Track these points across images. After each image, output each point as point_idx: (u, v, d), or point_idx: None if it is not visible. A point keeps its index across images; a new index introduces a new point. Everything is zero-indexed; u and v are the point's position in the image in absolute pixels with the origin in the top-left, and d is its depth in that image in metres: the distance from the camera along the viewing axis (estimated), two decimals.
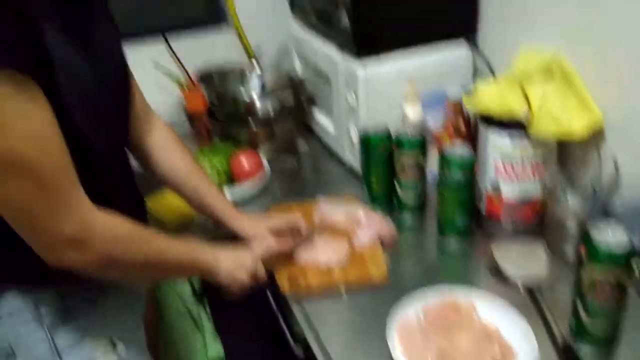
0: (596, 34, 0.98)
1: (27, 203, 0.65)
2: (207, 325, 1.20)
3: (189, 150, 1.06)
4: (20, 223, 0.67)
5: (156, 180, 1.04)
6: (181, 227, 1.18)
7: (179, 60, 1.59)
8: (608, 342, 0.81)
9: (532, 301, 0.90)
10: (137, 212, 0.87)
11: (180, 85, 1.59)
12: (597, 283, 0.76)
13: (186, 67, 1.59)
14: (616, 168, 0.96)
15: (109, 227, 0.72)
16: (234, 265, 0.90)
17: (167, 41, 1.57)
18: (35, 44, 0.63)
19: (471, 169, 1.01)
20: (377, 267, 1.00)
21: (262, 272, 0.94)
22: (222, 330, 1.21)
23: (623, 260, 0.74)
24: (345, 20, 1.18)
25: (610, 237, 0.75)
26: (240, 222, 1.02)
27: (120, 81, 0.87)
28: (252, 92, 1.54)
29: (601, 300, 0.77)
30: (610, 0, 0.93)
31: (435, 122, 1.21)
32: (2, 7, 0.58)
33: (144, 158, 0.99)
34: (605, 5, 0.94)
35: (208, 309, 1.19)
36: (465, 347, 0.79)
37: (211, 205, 1.02)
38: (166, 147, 1.01)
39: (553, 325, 0.83)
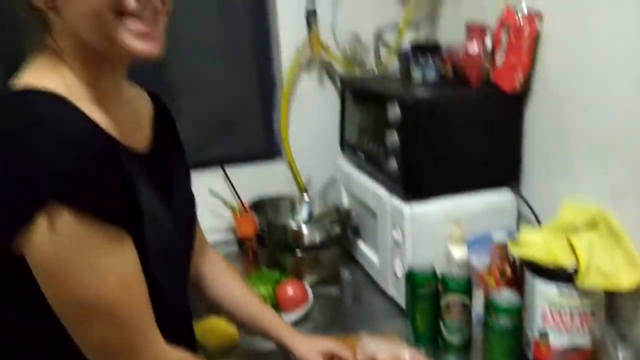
0: None
1: (108, 341, 0.69)
2: None
3: (240, 275, 1.11)
4: (99, 358, 0.70)
5: (204, 306, 1.08)
6: (225, 352, 1.19)
7: (234, 188, 1.70)
8: None
9: None
10: (189, 340, 0.90)
11: (233, 211, 1.68)
12: None
13: (240, 196, 1.69)
14: None
15: None
16: None
17: (224, 171, 1.69)
18: (131, 200, 0.69)
19: (518, 316, 1.01)
20: None
21: None
22: None
23: None
24: (393, 165, 1.26)
25: None
26: (297, 342, 1.04)
27: (191, 224, 0.94)
28: (300, 221, 1.61)
29: None
30: None
31: (481, 263, 1.23)
32: (107, 166, 0.65)
33: (200, 286, 1.04)
34: None
35: None
36: None
37: (267, 325, 1.05)
38: (220, 274, 1.06)
39: None
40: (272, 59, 1.75)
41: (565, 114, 1.16)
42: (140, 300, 0.71)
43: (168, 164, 0.87)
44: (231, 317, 1.08)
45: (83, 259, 0.65)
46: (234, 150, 1.81)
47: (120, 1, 0.67)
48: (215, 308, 1.09)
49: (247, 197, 1.66)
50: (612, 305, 1.02)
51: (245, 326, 1.08)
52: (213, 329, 1.24)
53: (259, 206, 1.59)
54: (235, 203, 1.70)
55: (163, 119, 0.92)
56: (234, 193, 1.70)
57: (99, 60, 0.73)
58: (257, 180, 1.73)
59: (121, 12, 0.68)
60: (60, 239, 0.62)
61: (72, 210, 0.62)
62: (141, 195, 0.71)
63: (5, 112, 0.65)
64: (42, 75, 0.70)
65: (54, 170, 0.61)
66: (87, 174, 0.63)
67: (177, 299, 0.87)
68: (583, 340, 1.01)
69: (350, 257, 1.58)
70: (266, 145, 1.83)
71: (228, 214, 1.69)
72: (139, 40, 0.70)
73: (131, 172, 0.69)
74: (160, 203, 0.79)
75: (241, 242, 1.63)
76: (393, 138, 1.24)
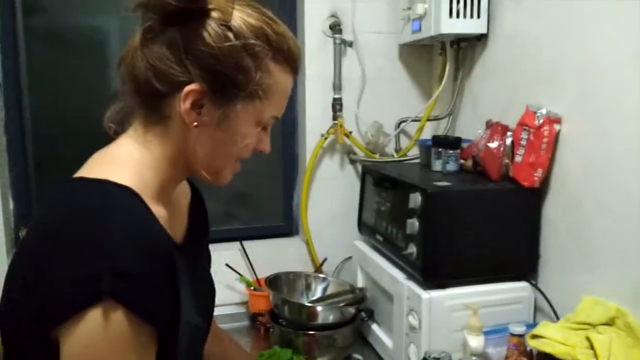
0: None
1: None
2: None
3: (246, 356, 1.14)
4: None
5: None
6: None
7: (250, 262, 1.73)
8: None
9: None
10: None
11: (248, 285, 1.69)
12: None
13: (256, 270, 1.71)
14: None
15: None
16: None
17: (242, 245, 1.72)
18: (178, 308, 0.69)
19: None
20: None
21: None
22: None
23: None
24: (413, 251, 1.29)
25: None
26: None
27: (211, 312, 0.93)
28: (315, 300, 1.62)
29: None
30: None
31: (497, 353, 1.23)
32: (166, 273, 0.66)
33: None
34: None
35: None
36: None
37: None
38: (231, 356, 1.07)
39: None
40: (297, 141, 1.84)
41: (583, 211, 1.21)
42: None
43: (198, 253, 0.89)
44: None
45: (120, 357, 0.64)
46: (253, 226, 1.86)
47: (246, 151, 0.78)
48: None
49: (263, 273, 1.68)
50: None
51: None
52: None
53: (275, 282, 1.61)
54: (250, 278, 1.72)
55: (198, 206, 0.93)
56: (250, 267, 1.72)
57: (183, 169, 0.78)
58: (274, 256, 1.76)
59: (238, 159, 0.79)
60: (106, 335, 0.62)
61: (125, 310, 0.62)
62: (183, 299, 0.70)
63: (83, 198, 0.67)
64: (123, 165, 0.72)
65: (118, 267, 0.62)
66: (147, 278, 0.64)
67: None
68: None
69: (363, 340, 1.58)
70: (285, 223, 1.88)
71: (242, 287, 1.70)
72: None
73: (179, 269, 0.69)
74: (191, 295, 0.77)
75: (253, 317, 1.63)
76: (414, 224, 1.28)
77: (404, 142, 1.81)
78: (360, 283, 1.62)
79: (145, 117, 0.75)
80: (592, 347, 1.03)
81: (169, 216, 0.77)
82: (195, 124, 0.72)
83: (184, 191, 0.91)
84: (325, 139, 1.74)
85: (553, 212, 1.29)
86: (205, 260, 0.95)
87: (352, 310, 1.50)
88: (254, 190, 1.87)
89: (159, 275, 0.65)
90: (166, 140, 0.75)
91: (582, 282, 1.21)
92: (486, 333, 1.23)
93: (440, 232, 1.27)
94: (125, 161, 0.73)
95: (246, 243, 1.74)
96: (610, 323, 1.09)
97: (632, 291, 1.09)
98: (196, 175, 0.79)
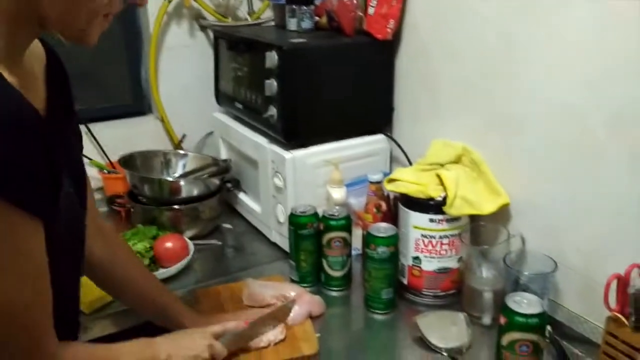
0: (501, 132, 1.12)
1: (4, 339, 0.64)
2: None
3: (134, 253, 1.07)
4: None
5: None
6: (97, 310, 1.13)
7: (98, 144, 1.59)
8: None
9: None
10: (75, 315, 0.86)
11: (101, 169, 1.57)
12: (516, 348, 0.83)
13: (107, 154, 1.59)
14: (523, 243, 1.08)
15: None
16: (187, 353, 0.87)
17: (88, 128, 1.57)
18: (54, 194, 0.65)
19: (395, 245, 1.09)
20: (308, 343, 1.01)
21: (219, 348, 0.91)
22: None
23: (537, 325, 0.82)
24: (273, 113, 1.27)
25: (525, 305, 0.83)
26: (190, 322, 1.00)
27: (85, 195, 0.84)
28: (177, 175, 1.56)
29: None
30: (511, 104, 1.09)
31: (358, 203, 1.29)
32: (38, 151, 0.60)
33: (96, 272, 0.96)
34: (506, 109, 1.10)
35: None
36: None
37: (171, 316, 1.01)
38: (114, 252, 0.98)
39: None
40: (136, 8, 1.64)
41: (432, 60, 1.25)
42: (44, 296, 0.66)
43: (64, 126, 0.77)
44: (130, 304, 1.04)
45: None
46: (100, 107, 1.69)
47: (113, 6, 0.67)
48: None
49: (116, 156, 1.55)
50: (476, 231, 1.13)
51: (136, 306, 1.04)
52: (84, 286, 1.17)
53: (129, 162, 1.51)
54: (103, 163, 1.60)
55: (56, 70, 0.78)
56: (101, 150, 1.59)
57: (33, 27, 0.65)
58: (126, 137, 1.63)
59: (107, 14, 0.67)
60: None
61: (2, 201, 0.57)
62: (64, 189, 0.66)
63: None
64: None
65: None
66: (20, 160, 0.58)
67: (74, 280, 0.81)
68: (452, 262, 1.12)
69: (232, 210, 1.57)
70: (135, 101, 1.73)
71: (95, 173, 1.58)
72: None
73: (60, 167, 0.65)
74: (70, 186, 0.72)
75: (111, 201, 1.54)
76: (272, 85, 1.24)
77: (257, 4, 1.71)
78: (223, 156, 1.58)
79: None
80: (441, 183, 1.11)
81: (27, 84, 0.66)
82: None
83: (36, 54, 0.75)
84: (169, 2, 1.57)
85: (405, 63, 1.33)
86: (73, 134, 0.82)
87: (216, 181, 1.47)
88: (95, 69, 1.68)
89: (31, 156, 0.59)
90: None
91: (432, 128, 1.28)
92: (347, 185, 1.28)
93: (299, 90, 1.25)
94: None
95: (93, 126, 1.59)
96: (457, 161, 1.18)
97: (475, 132, 1.18)
98: (57, 35, 0.67)
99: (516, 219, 1.11)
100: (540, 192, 1.06)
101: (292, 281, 1.22)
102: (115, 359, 0.79)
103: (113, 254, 0.97)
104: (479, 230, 1.13)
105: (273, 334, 1.01)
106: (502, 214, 1.12)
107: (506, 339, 0.83)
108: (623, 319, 0.81)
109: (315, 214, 1.20)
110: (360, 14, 1.30)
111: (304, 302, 1.10)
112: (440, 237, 1.10)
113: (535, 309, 0.82)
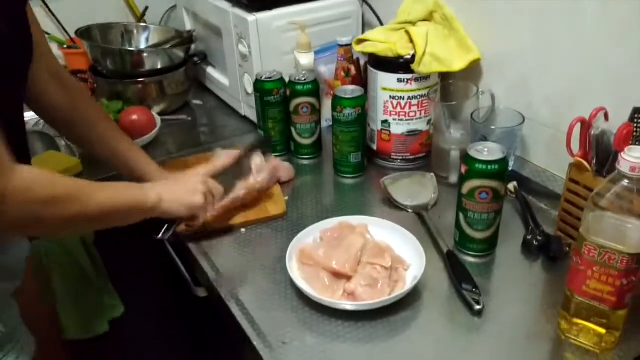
0: None
1: None
2: (104, 283, 1.14)
3: (95, 100, 1.00)
4: None
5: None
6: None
7: (56, 18, 1.49)
8: (488, 246, 0.88)
9: (421, 222, 0.96)
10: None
11: (60, 44, 1.49)
12: (475, 195, 0.82)
13: (68, 30, 1.50)
14: (492, 100, 1.05)
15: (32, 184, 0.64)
16: (182, 193, 0.84)
17: (45, 4, 1.47)
18: None
19: (362, 106, 1.05)
20: (276, 205, 1.01)
21: (214, 185, 0.89)
22: (120, 286, 1.16)
23: (497, 170, 0.81)
24: None
25: (486, 153, 0.81)
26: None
27: (23, 15, 0.76)
28: (140, 48, 1.49)
29: (479, 209, 0.83)
30: None
31: (328, 71, 1.24)
32: None
33: (54, 120, 0.92)
34: None
35: (102, 266, 1.14)
36: (359, 261, 0.82)
37: (132, 158, 0.96)
38: (74, 97, 0.92)
39: (439, 239, 0.90)
40: None
41: None
42: None
43: None
44: (97, 155, 0.97)
45: None
46: None
47: None
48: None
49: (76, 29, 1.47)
50: (446, 89, 1.09)
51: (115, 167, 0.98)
52: (53, 158, 1.15)
53: (89, 35, 1.42)
54: (62, 38, 1.51)
55: None
56: (59, 25, 1.50)
57: None
58: (85, 10, 1.53)
59: None
60: None
61: None
62: None
63: None
64: None
65: None
66: None
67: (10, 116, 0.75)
68: (421, 124, 1.09)
69: (200, 85, 1.52)
70: None
71: (55, 49, 1.50)
72: None
73: None
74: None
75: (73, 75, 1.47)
76: None
77: None
78: (188, 26, 1.49)
79: None
80: (411, 41, 1.05)
81: None
82: None
83: None
84: None
85: None
86: None
87: (180, 53, 1.40)
88: None
89: None
90: None
91: None
92: (317, 52, 1.22)
93: None
94: None
95: (52, 3, 1.49)
96: (429, 19, 1.11)
97: None
98: None
99: (487, 75, 1.07)
100: (511, 45, 1.01)
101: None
102: (87, 193, 0.70)
103: (72, 99, 0.91)
104: (449, 88, 1.09)
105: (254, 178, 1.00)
106: (473, 71, 1.07)
107: (466, 186, 0.82)
108: (585, 163, 0.80)
109: (282, 80, 1.15)
110: None
111: (272, 167, 1.09)
112: (409, 98, 1.06)
113: (495, 156, 0.80)
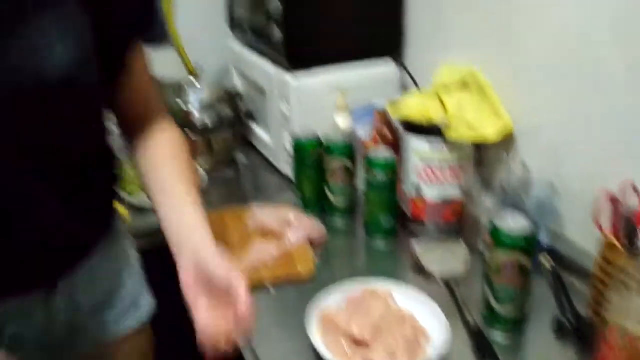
0: (507, 55, 1.07)
1: None
2: None
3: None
4: None
5: None
6: None
7: None
8: (517, 324, 0.85)
9: (449, 293, 0.94)
10: None
11: None
12: (501, 268, 0.81)
13: None
14: (525, 169, 1.04)
15: None
16: None
17: None
18: None
19: (393, 171, 1.06)
20: (305, 264, 1.03)
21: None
22: None
23: (523, 244, 0.79)
24: (277, 35, 1.24)
25: (511, 223, 0.80)
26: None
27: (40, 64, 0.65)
28: (190, 104, 1.57)
29: (506, 283, 0.82)
30: (518, 26, 1.03)
31: (365, 133, 1.27)
32: None
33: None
34: (513, 30, 1.04)
35: None
36: (380, 329, 0.82)
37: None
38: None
39: (466, 313, 0.88)
40: None
41: None
42: None
43: None
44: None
45: None
46: None
47: None
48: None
49: None
50: (478, 157, 1.09)
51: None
52: None
53: None
54: None
55: None
56: None
57: None
58: None
59: None
60: None
61: None
62: None
63: None
64: None
65: None
66: None
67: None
68: (454, 192, 1.09)
69: (245, 142, 1.58)
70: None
71: None
72: None
73: None
74: None
75: None
76: (275, 4, 1.21)
77: None
78: (237, 86, 1.57)
79: None
80: (445, 108, 1.07)
81: None
82: None
83: None
84: None
85: None
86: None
87: (228, 111, 1.47)
88: None
89: None
90: None
91: (441, 53, 1.23)
92: (355, 115, 1.26)
93: (303, 10, 1.22)
94: None
95: None
96: (463, 85, 1.13)
97: (483, 55, 1.12)
98: None
99: (519, 144, 1.07)
100: (544, 116, 1.01)
101: (297, 209, 1.23)
102: None
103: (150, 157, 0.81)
104: (482, 156, 1.09)
105: (262, 256, 1.03)
106: (506, 141, 1.07)
107: (492, 258, 0.81)
108: (615, 241, 0.77)
109: (318, 141, 1.18)
110: None
111: (303, 226, 1.11)
112: (441, 164, 1.07)
113: (523, 228, 0.79)
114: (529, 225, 0.81)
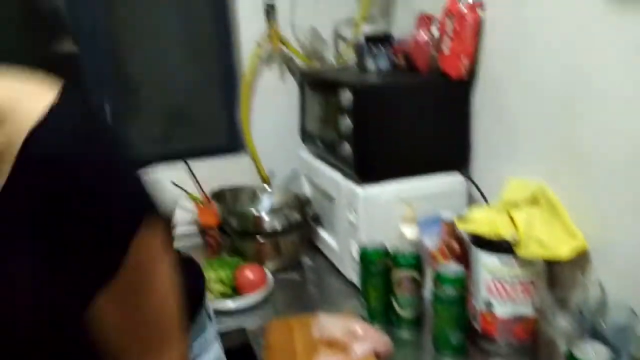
0: (577, 169, 1.06)
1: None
2: None
3: None
4: None
5: None
6: None
7: (196, 179, 1.72)
8: None
9: None
10: None
11: (196, 201, 1.70)
12: None
13: (203, 188, 1.72)
14: (601, 290, 1.00)
15: None
16: None
17: (187, 164, 1.71)
18: None
19: (463, 286, 1.06)
20: None
21: None
22: None
23: None
24: (347, 150, 1.31)
25: (591, 354, 0.77)
26: None
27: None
28: (262, 209, 1.64)
29: None
30: (588, 139, 1.03)
31: (431, 243, 1.27)
32: None
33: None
34: (583, 143, 1.05)
35: None
36: None
37: None
38: None
39: None
40: (232, 52, 1.78)
41: (507, 97, 1.22)
42: None
43: None
44: None
45: None
46: (196, 144, 1.84)
47: None
48: None
49: (210, 190, 1.67)
50: (551, 275, 1.07)
51: None
52: None
53: (220, 196, 1.62)
54: (198, 195, 1.72)
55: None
56: (196, 184, 1.72)
57: None
58: (220, 173, 1.75)
59: None
60: None
61: None
62: None
63: None
64: None
65: None
66: None
67: None
68: (526, 309, 1.06)
69: (311, 245, 1.62)
70: (229, 139, 1.86)
71: (191, 206, 1.71)
72: None
73: None
74: None
75: (204, 231, 1.65)
76: (346, 123, 1.29)
77: (343, 48, 1.77)
78: (306, 192, 1.64)
79: None
80: (514, 224, 1.07)
81: None
82: None
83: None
84: (261, 47, 1.69)
85: (481, 100, 1.31)
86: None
87: (297, 216, 1.53)
88: (195, 108, 1.83)
89: None
90: None
91: (509, 166, 1.24)
92: (421, 225, 1.27)
93: (372, 127, 1.28)
94: None
95: (192, 163, 1.73)
96: (532, 201, 1.13)
97: (552, 170, 1.13)
98: None
99: (594, 263, 1.04)
100: (620, 236, 0.98)
101: (363, 319, 1.22)
102: None
103: None
104: (555, 275, 1.06)
105: None
106: (580, 259, 1.04)
107: None
108: None
109: (385, 251, 1.20)
110: (435, 53, 1.30)
111: (369, 337, 1.10)
112: (513, 280, 1.05)
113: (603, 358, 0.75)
114: (610, 355, 0.77)
